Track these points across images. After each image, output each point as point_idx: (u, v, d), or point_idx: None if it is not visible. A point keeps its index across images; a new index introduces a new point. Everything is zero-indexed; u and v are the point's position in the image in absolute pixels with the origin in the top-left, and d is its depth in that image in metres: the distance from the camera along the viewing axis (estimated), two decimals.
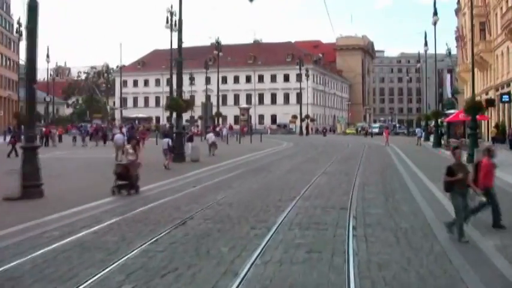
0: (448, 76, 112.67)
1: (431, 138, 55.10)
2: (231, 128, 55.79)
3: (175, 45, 29.52)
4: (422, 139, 50.37)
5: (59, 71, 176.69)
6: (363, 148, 38.94)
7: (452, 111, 44.89)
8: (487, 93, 51.29)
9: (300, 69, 78.57)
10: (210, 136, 32.69)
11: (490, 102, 42.69)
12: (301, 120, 78.42)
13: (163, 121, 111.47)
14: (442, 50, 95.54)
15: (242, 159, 27.76)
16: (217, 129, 55.38)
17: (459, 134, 39.07)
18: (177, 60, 27.87)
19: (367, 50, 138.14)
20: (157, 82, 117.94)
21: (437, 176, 18.51)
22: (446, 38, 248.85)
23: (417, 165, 24.23)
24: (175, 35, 29.96)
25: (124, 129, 50.31)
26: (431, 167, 22.83)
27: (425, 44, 64.02)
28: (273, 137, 64.82)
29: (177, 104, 26.15)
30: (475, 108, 24.41)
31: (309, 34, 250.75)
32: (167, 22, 38.98)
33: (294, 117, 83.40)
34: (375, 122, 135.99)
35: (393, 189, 15.70)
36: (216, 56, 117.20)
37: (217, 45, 63.80)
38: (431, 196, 14.13)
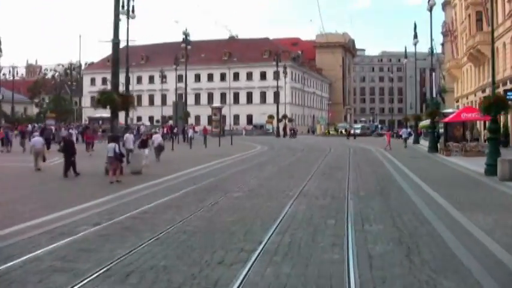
0: (433, 75, 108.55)
1: (422, 140, 49.86)
2: (195, 129, 49.43)
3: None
4: (408, 141, 45.28)
5: (30, 69, 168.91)
6: (348, 153, 33.24)
7: (450, 110, 39.33)
8: (483, 91, 46.02)
9: (277, 64, 72.70)
10: (156, 137, 27.01)
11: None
12: (278, 120, 72.53)
13: (134, 121, 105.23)
14: (424, 49, 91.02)
15: (197, 170, 21.74)
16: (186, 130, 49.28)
17: (458, 136, 33.63)
18: (112, 41, 21.64)
19: (347, 47, 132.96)
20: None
21: (461, 198, 13.56)
22: (428, 37, 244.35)
23: (423, 178, 18.48)
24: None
25: (73, 131, 44.20)
26: (444, 182, 17.22)
27: (415, 36, 58.79)
28: (248, 139, 58.88)
29: (110, 99, 19.98)
30: (498, 105, 18.61)
31: (288, 32, 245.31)
32: (122, 7, 32.83)
33: (271, 117, 77.48)
34: (355, 122, 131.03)
35: (410, 230, 9.76)
36: (189, 52, 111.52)
37: (185, 38, 57.31)
38: (481, 249, 8.25)
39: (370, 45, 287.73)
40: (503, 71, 40.19)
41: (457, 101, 62.08)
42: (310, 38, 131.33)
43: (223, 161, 26.91)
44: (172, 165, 23.55)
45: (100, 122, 65.50)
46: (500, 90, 40.56)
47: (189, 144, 42.00)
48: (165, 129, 49.43)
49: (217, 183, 17.43)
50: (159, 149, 26.21)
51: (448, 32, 72.61)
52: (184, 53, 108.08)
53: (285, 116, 75.65)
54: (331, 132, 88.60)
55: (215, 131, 68.32)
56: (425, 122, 51.88)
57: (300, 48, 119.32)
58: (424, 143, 45.72)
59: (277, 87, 74.82)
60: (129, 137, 24.33)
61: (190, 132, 44.61)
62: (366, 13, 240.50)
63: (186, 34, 57.26)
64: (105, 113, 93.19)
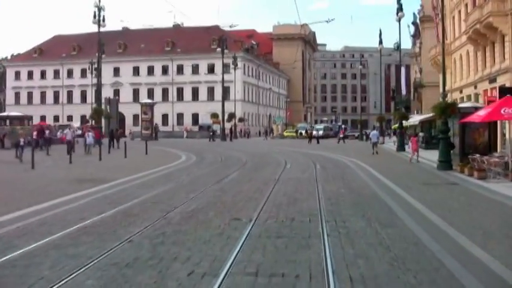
0: (403, 70, 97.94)
1: (407, 146, 37.94)
2: (97, 133, 35.48)
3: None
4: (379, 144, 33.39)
5: None
6: (314, 173, 20.55)
7: (467, 104, 26.96)
8: (492, 81, 34.16)
9: (222, 51, 59.76)
10: None
11: None
12: (224, 120, 59.50)
13: (63, 121, 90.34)
14: (389, 45, 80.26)
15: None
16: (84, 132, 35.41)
17: (481, 144, 21.44)
18: None
19: (307, 40, 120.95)
20: (57, 73, 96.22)
21: None
22: (393, 35, 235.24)
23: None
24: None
25: None
26: None
27: (380, 41, 48.60)
28: (181, 145, 45.76)
29: None
30: None
31: (244, 25, 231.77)
32: None
33: (214, 116, 64.35)
34: (316, 122, 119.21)
35: None
36: (127, 42, 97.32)
37: (97, 14, 43.06)
38: None
39: (331, 40, 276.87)
40: None
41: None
42: (267, 30, 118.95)
43: (91, 193, 13.76)
44: None
45: (7, 121, 50.57)
46: None
47: (84, 153, 28.63)
48: (34, 134, 33.81)
49: None
50: None
51: (428, 17, 61.23)
52: (126, 44, 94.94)
53: (232, 115, 62.63)
54: (289, 134, 76.27)
55: (145, 133, 54.92)
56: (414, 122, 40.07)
57: (255, 41, 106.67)
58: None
59: (223, 80, 61.78)
60: None
61: (89, 138, 31.05)
62: (324, 13, 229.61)
63: (99, 8, 42.88)
64: (38, 111, 77.27)
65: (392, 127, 66.64)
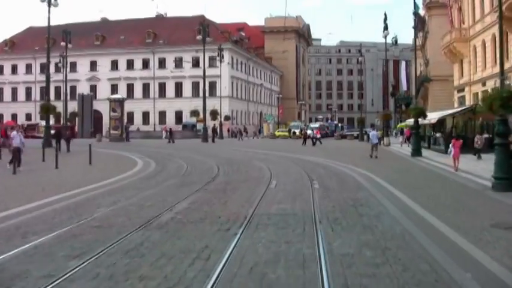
0: (403, 65, 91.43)
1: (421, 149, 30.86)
2: (26, 133, 28.12)
3: None
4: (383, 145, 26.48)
5: None
6: (309, 194, 13.40)
7: None
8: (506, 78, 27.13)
9: (204, 39, 52.53)
10: None
11: None
12: (205, 118, 52.06)
13: (35, 120, 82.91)
14: (388, 39, 72.93)
15: None
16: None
17: None
18: None
19: (302, 33, 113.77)
20: (29, 68, 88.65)
21: None
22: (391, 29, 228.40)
23: None
24: None
25: None
26: None
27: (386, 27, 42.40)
28: (151, 147, 38.60)
29: None
30: None
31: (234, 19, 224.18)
32: None
33: (195, 113, 57.07)
34: (310, 120, 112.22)
35: None
36: (105, 34, 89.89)
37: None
38: None
39: (326, 35, 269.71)
40: None
41: (461, 90, 43.42)
42: (259, 24, 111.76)
43: None
44: None
45: None
46: None
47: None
48: None
49: None
50: None
51: (436, 2, 54.51)
52: (104, 36, 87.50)
53: (215, 113, 55.34)
54: (281, 134, 69.35)
55: (114, 134, 47.65)
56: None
57: (246, 35, 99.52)
58: (432, 155, 26.66)
59: (204, 73, 54.49)
60: None
61: (16, 139, 23.71)
62: (317, 10, 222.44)
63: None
64: (10, 108, 69.17)
65: (398, 126, 59.62)
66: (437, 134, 34.58)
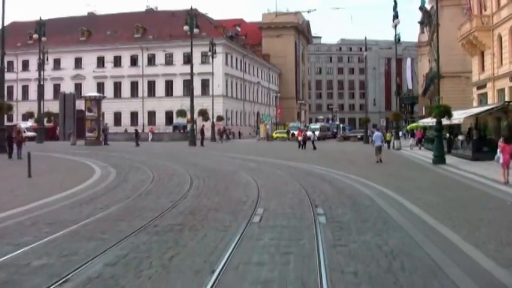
0: (408, 62, 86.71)
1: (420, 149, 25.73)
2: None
3: None
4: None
5: None
6: (311, 230, 8.37)
7: None
8: None
9: (191, 30, 47.50)
10: None
11: None
12: (192, 118, 46.78)
13: (17, 120, 77.55)
14: (389, 37, 68.11)
15: None
16: None
17: None
18: None
19: (301, 30, 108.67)
20: (10, 66, 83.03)
21: None
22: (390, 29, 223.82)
23: None
24: None
25: None
26: None
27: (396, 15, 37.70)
28: (127, 151, 33.53)
29: None
30: None
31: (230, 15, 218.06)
32: None
33: (181, 113, 51.88)
34: (311, 121, 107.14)
35: None
36: (91, 29, 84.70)
37: None
38: None
39: (327, 33, 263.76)
40: None
41: (482, 87, 38.24)
42: (257, 20, 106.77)
43: None
44: None
45: None
46: None
47: None
48: None
49: None
50: None
51: None
52: (90, 31, 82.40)
53: (203, 113, 50.16)
54: (279, 136, 64.44)
55: (90, 137, 42.48)
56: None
57: (243, 32, 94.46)
58: (456, 163, 21.32)
59: (192, 67, 49.62)
60: None
61: None
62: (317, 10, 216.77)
63: None
64: None
65: (409, 126, 54.61)
66: (460, 137, 29.44)
